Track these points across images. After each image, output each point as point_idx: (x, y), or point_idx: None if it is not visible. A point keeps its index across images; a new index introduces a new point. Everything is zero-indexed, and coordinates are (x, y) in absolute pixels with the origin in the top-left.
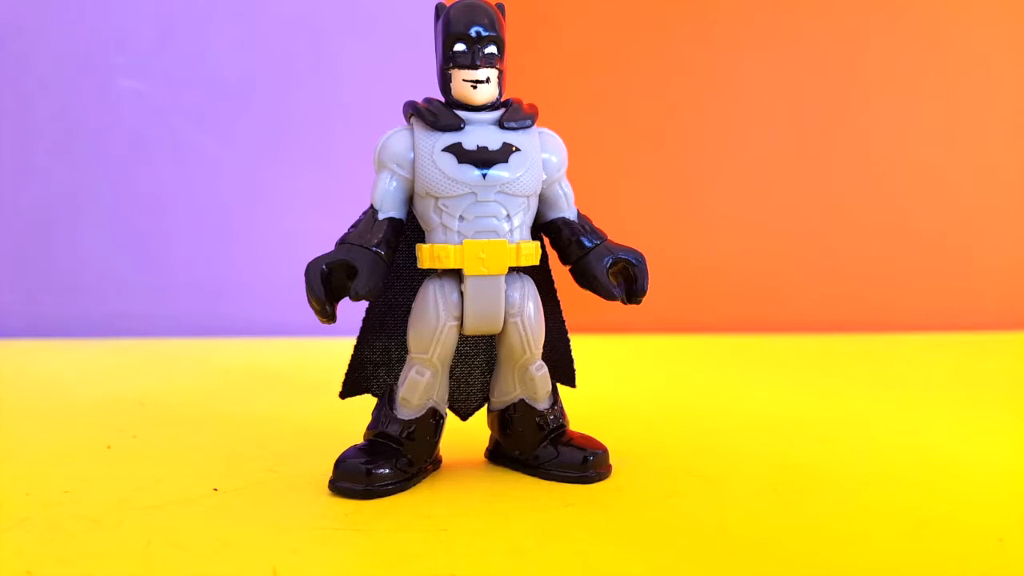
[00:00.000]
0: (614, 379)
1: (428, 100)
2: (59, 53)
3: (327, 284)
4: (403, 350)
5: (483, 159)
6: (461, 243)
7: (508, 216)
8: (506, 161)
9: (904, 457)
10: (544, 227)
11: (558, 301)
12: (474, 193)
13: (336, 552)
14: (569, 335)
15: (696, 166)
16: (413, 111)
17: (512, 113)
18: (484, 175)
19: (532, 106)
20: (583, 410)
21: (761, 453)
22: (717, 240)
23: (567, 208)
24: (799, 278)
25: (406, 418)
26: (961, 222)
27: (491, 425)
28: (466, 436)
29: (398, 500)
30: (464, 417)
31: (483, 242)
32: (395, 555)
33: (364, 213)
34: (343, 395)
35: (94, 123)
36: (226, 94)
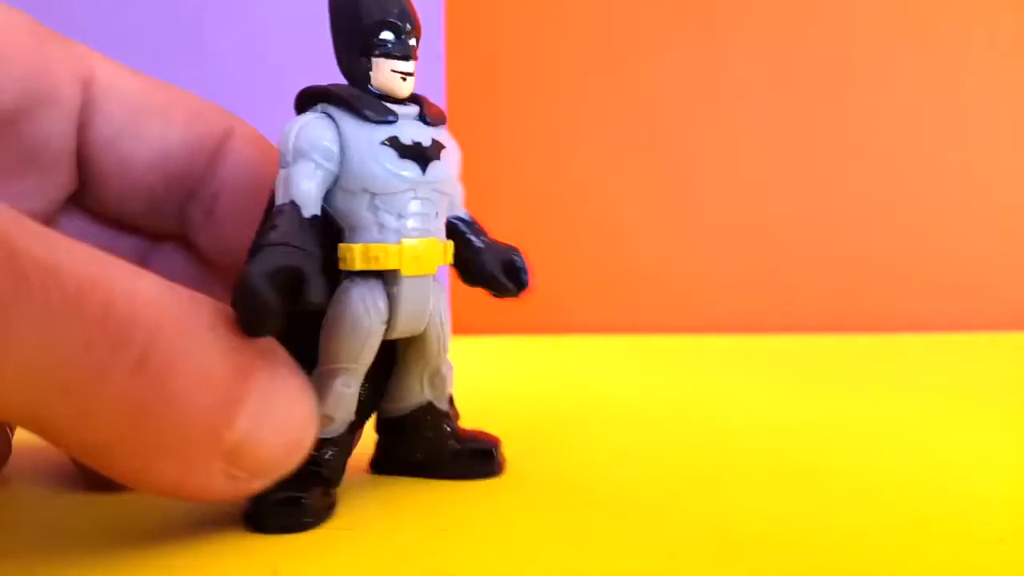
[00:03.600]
0: (613, 379)
1: (341, 87)
2: None
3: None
4: (311, 364)
5: (421, 155)
6: (398, 242)
7: (437, 214)
8: (439, 158)
9: (904, 457)
10: None
11: None
12: (413, 190)
13: (336, 552)
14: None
15: (695, 166)
16: (330, 98)
17: (430, 109)
18: (423, 171)
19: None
20: (583, 410)
21: (761, 453)
22: (717, 240)
23: (459, 208)
24: (799, 278)
25: (328, 436)
26: (962, 222)
27: (383, 432)
28: None
29: (398, 500)
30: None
31: (420, 241)
32: (395, 555)
33: (277, 210)
34: None
35: None
36: (226, 94)
